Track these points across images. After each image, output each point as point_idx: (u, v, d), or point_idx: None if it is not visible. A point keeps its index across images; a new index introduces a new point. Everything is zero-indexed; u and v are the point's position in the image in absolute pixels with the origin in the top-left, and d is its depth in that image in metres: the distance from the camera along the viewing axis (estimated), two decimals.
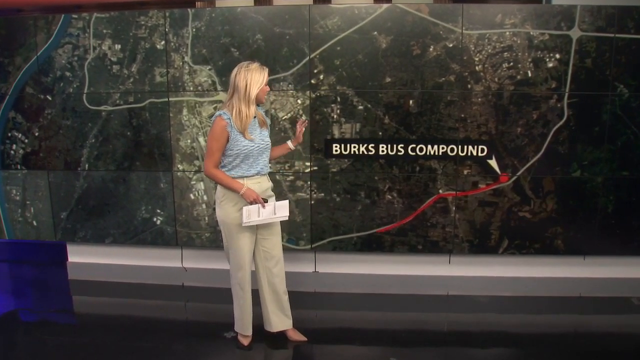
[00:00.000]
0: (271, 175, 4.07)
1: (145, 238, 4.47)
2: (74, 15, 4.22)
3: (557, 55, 3.87)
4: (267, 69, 3.24)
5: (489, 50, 3.90)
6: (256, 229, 3.38)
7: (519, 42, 3.87)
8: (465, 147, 4.03)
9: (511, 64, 3.90)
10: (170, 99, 4.22)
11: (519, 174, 4.04)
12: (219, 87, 4.14)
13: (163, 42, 4.14)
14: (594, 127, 3.95)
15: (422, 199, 4.12)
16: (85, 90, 4.29)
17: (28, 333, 3.87)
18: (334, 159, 4.13)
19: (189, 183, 4.32)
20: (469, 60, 3.92)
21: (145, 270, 4.62)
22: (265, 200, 3.28)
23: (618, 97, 3.89)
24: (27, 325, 4.03)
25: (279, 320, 3.54)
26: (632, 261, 4.21)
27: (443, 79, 3.95)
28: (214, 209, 4.23)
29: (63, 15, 4.23)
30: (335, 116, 4.07)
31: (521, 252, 4.15)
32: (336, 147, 4.11)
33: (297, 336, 3.58)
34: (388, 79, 3.99)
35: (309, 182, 4.18)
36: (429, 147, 4.05)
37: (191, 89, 4.18)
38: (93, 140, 4.37)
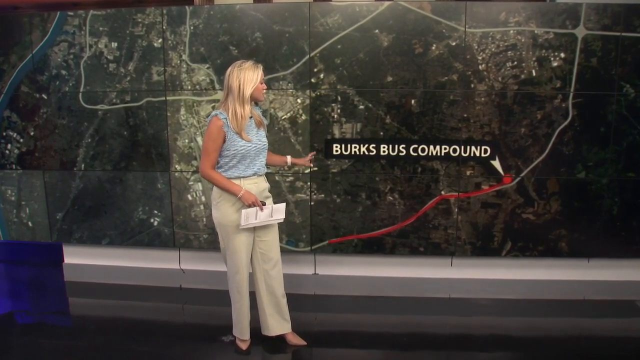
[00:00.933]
0: (270, 175, 4.03)
1: (143, 239, 4.42)
2: (70, 13, 4.16)
3: (562, 54, 3.80)
4: (261, 66, 3.17)
5: (493, 49, 3.83)
6: (253, 231, 3.32)
7: (523, 40, 3.81)
8: (468, 147, 3.96)
9: (515, 63, 3.84)
10: (167, 98, 4.16)
11: (522, 175, 3.97)
12: (217, 86, 4.08)
13: (160, 40, 4.08)
14: (599, 128, 3.88)
15: (424, 200, 4.06)
16: (82, 89, 4.24)
17: (24, 335, 3.81)
18: (334, 160, 4.07)
19: (187, 184, 4.26)
20: (472, 59, 3.85)
21: (142, 272, 4.57)
22: (264, 203, 3.21)
23: (624, 97, 3.83)
24: (23, 327, 3.97)
25: (277, 324, 3.48)
26: (637, 264, 4.16)
27: (446, 78, 3.89)
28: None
29: (59, 13, 4.17)
30: (335, 116, 4.01)
31: (524, 255, 4.09)
32: (336, 147, 4.04)
33: (296, 340, 3.52)
34: (389, 78, 3.93)
35: (308, 183, 4.12)
36: (431, 147, 3.99)
37: (189, 87, 4.12)
38: (89, 140, 4.31)
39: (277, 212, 3.28)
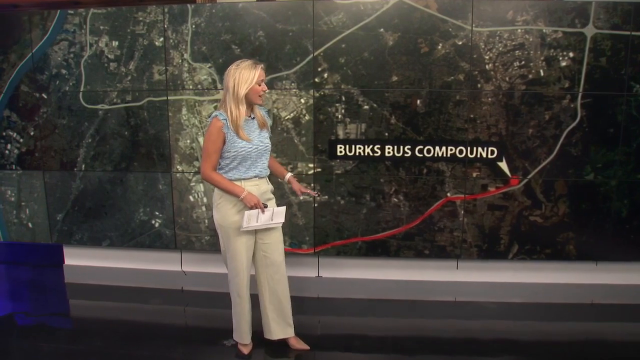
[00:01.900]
0: (274, 177, 3.97)
1: (144, 241, 4.36)
2: (70, 11, 4.11)
3: (571, 54, 3.74)
4: (260, 66, 3.09)
5: (500, 48, 3.77)
6: (255, 233, 3.27)
7: (531, 39, 3.74)
8: (475, 148, 3.90)
9: (523, 62, 3.77)
10: (169, 97, 4.11)
11: (530, 176, 3.91)
12: (219, 86, 4.02)
13: (162, 39, 4.03)
14: (609, 129, 3.81)
15: (429, 202, 4.00)
16: (82, 89, 4.19)
17: (24, 338, 3.76)
18: (338, 161, 4.01)
19: (189, 184, 4.20)
20: (479, 58, 3.79)
21: (143, 274, 4.52)
22: (265, 205, 3.16)
23: (634, 98, 3.76)
24: (23, 329, 3.93)
25: (280, 328, 3.42)
26: None
27: (452, 77, 3.82)
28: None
29: (59, 11, 4.12)
30: (339, 116, 3.95)
31: (532, 258, 4.03)
32: (340, 148, 3.98)
33: (299, 344, 3.47)
34: (395, 78, 3.86)
35: (312, 184, 4.06)
36: (437, 148, 3.92)
37: (191, 87, 4.06)
38: (90, 140, 4.26)
39: (278, 215, 3.22)
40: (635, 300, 4.11)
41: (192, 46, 4.01)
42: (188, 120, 4.12)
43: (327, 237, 4.13)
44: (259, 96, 3.10)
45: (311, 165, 4.03)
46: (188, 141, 4.15)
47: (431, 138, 3.91)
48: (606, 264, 4.10)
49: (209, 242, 4.27)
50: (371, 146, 3.97)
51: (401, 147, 3.94)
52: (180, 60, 4.04)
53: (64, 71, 4.19)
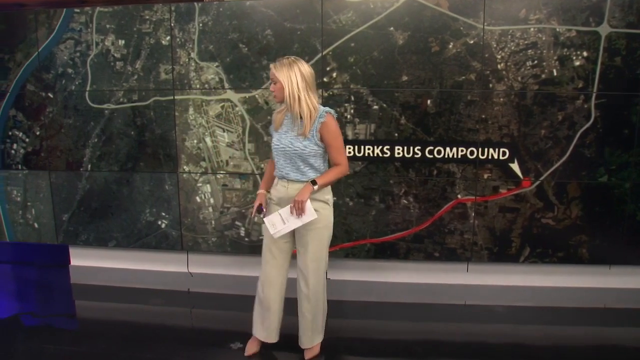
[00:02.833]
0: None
1: (150, 242, 4.33)
2: (76, 10, 4.07)
3: (585, 53, 3.66)
4: (272, 66, 3.03)
5: (512, 48, 3.70)
6: (293, 239, 3.25)
7: (544, 38, 3.67)
8: (486, 149, 3.84)
9: (535, 62, 3.70)
10: (175, 97, 4.07)
11: (542, 178, 3.84)
12: (226, 85, 3.98)
13: (168, 38, 3.99)
14: (623, 130, 3.74)
15: (439, 204, 3.94)
16: (88, 88, 4.16)
17: (29, 339, 3.73)
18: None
19: (195, 185, 4.16)
20: (491, 57, 3.72)
21: (149, 275, 4.49)
22: (260, 210, 3.17)
23: None
24: (29, 330, 3.90)
25: (302, 337, 3.37)
26: None
27: (463, 77, 3.76)
28: (221, 212, 4.13)
29: (65, 10, 4.09)
30: (348, 116, 3.90)
31: (543, 261, 3.96)
32: (349, 148, 3.93)
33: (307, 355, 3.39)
34: (405, 78, 3.80)
35: None
36: (448, 149, 3.86)
37: (198, 86, 4.02)
38: (96, 140, 4.23)
39: (307, 214, 3.07)
40: None
41: (199, 45, 3.97)
42: (195, 120, 4.07)
43: (335, 239, 4.04)
44: (273, 95, 3.09)
45: None
46: (195, 141, 4.10)
47: (442, 139, 3.85)
48: (620, 267, 4.03)
49: (216, 243, 4.23)
50: (380, 147, 3.91)
51: (411, 148, 3.88)
52: (187, 59, 4.00)
53: (70, 70, 4.15)
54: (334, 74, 3.86)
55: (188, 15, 3.94)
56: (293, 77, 2.96)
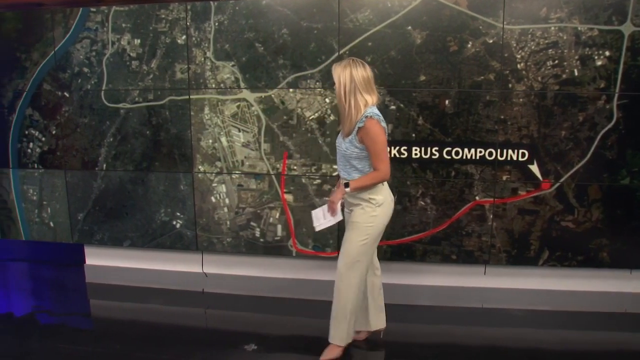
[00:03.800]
0: (296, 178, 3.92)
1: (165, 242, 4.32)
2: (92, 9, 4.08)
3: (607, 53, 3.59)
4: (333, 66, 3.11)
5: (532, 47, 3.64)
6: None
7: (565, 38, 3.61)
8: (505, 151, 3.78)
9: (556, 61, 3.64)
10: (191, 96, 4.06)
11: (562, 180, 3.78)
12: (242, 85, 3.96)
13: (184, 37, 3.97)
14: None
15: (457, 205, 3.89)
16: (104, 87, 4.16)
17: (44, 337, 3.74)
18: None
19: (210, 185, 4.15)
20: (510, 57, 3.67)
21: (164, 275, 4.49)
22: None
23: None
24: (44, 328, 3.91)
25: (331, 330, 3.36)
26: None
27: (482, 77, 3.71)
28: (236, 212, 4.10)
29: (81, 9, 4.10)
30: None
31: (563, 265, 3.90)
32: None
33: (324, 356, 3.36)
34: (422, 77, 3.76)
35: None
36: (466, 150, 3.81)
37: (213, 86, 4.00)
38: (111, 139, 4.23)
39: (339, 214, 3.22)
40: None
41: (214, 44, 3.95)
42: (210, 119, 4.06)
43: None
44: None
45: (335, 166, 3.94)
46: (210, 141, 4.09)
47: (460, 139, 3.79)
48: None
49: (231, 243, 4.21)
50: (398, 147, 3.87)
51: (429, 148, 3.84)
52: (202, 59, 3.99)
53: (85, 69, 4.16)
54: None
55: (204, 14, 3.92)
56: (342, 79, 3.02)
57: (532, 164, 3.78)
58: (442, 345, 3.57)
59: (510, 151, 3.78)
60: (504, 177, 3.81)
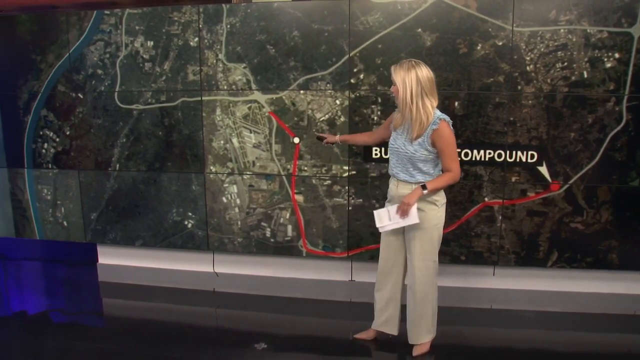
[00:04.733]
0: (307, 178, 3.94)
1: (176, 241, 4.37)
2: (106, 12, 4.13)
3: (617, 55, 3.60)
4: (392, 67, 3.12)
5: (542, 49, 3.65)
6: (403, 235, 3.33)
7: (574, 40, 3.61)
8: (514, 152, 3.79)
9: (565, 63, 3.65)
10: (203, 98, 4.10)
11: (571, 182, 3.78)
12: (253, 86, 4.00)
13: (196, 39, 4.02)
14: None
15: (466, 207, 3.91)
16: (117, 89, 4.22)
17: (57, 335, 3.82)
18: (373, 163, 3.95)
19: (222, 186, 4.19)
20: (520, 59, 3.68)
21: (175, 275, 4.53)
22: (321, 139, 3.46)
23: None
24: (57, 326, 3.98)
25: (409, 333, 3.47)
26: None
27: (491, 79, 3.72)
28: (247, 213, 4.14)
29: (95, 12, 4.16)
30: (375, 118, 3.89)
31: (572, 266, 3.90)
32: (376, 150, 3.92)
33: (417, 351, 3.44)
34: None
35: (346, 187, 4.00)
36: (475, 152, 3.83)
37: (225, 87, 4.05)
38: (124, 140, 4.28)
39: (410, 216, 3.14)
40: None
41: (226, 46, 3.99)
42: (222, 120, 4.10)
43: (361, 240, 4.07)
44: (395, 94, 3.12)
45: (346, 167, 3.98)
46: (222, 142, 4.13)
47: (469, 141, 3.81)
48: None
49: (242, 244, 4.25)
50: None
51: None
52: (214, 61, 4.03)
53: (99, 71, 4.22)
54: (361, 76, 3.85)
55: (216, 17, 3.97)
56: (408, 82, 3.00)
57: (541, 165, 3.78)
58: (451, 346, 3.58)
59: (519, 153, 3.78)
60: (513, 179, 3.83)
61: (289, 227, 4.16)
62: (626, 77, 3.61)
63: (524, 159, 3.79)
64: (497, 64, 3.70)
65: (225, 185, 4.19)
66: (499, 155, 3.81)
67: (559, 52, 3.64)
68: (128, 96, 4.21)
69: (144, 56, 4.13)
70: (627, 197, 3.76)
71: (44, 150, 4.46)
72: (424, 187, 3.06)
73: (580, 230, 3.84)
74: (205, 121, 4.13)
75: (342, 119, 3.92)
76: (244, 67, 4.00)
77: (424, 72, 3.00)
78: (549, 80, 3.68)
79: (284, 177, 4.09)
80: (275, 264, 4.34)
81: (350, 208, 4.03)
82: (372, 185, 3.97)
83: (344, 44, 3.84)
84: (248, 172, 4.14)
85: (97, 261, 4.74)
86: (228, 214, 4.23)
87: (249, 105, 4.03)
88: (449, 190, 3.85)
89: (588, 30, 3.59)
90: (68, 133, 4.38)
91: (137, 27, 4.10)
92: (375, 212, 3.25)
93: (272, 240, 4.22)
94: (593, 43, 3.60)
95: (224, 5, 3.97)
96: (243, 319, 4.07)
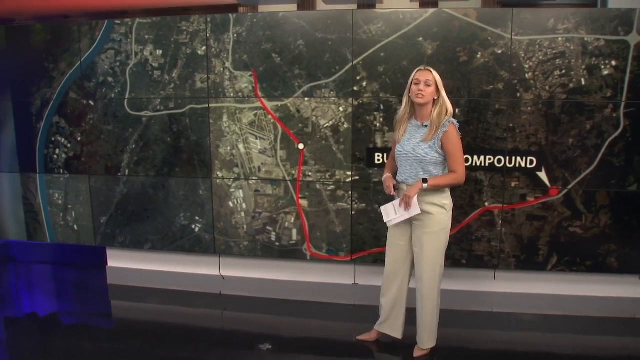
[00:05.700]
0: (311, 184, 4.01)
1: (184, 245, 4.45)
2: (117, 21, 4.24)
3: (613, 62, 3.67)
4: (420, 68, 3.26)
5: (540, 57, 3.73)
6: (410, 232, 3.39)
7: (572, 48, 3.69)
8: (514, 158, 3.86)
9: (563, 71, 3.72)
10: (210, 105, 4.19)
11: (570, 187, 3.84)
12: (259, 94, 4.08)
13: (204, 48, 4.12)
14: None
15: (467, 211, 3.97)
16: (127, 96, 4.31)
17: (67, 336, 3.87)
18: (376, 169, 4.02)
19: (228, 190, 4.28)
20: (519, 67, 3.76)
21: (183, 277, 4.60)
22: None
23: None
24: (67, 328, 4.05)
25: (419, 336, 3.52)
26: None
27: (491, 86, 3.80)
28: (253, 217, 4.22)
29: (106, 21, 4.26)
30: (378, 124, 3.97)
31: (571, 270, 3.95)
32: (379, 156, 4.00)
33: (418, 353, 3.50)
34: None
35: (349, 192, 4.08)
36: (475, 157, 3.90)
37: (232, 95, 4.14)
38: (133, 146, 4.38)
39: (413, 207, 3.23)
40: None
41: (233, 55, 4.09)
42: (229, 127, 4.19)
43: (364, 244, 4.14)
44: (416, 95, 3.21)
45: (349, 173, 4.06)
46: (228, 148, 4.22)
47: (469, 147, 3.87)
48: None
49: (247, 247, 4.33)
50: None
51: None
52: (221, 69, 4.13)
53: (110, 79, 4.32)
54: (364, 83, 3.94)
55: (223, 26, 4.07)
56: (438, 78, 3.23)
57: (541, 171, 3.85)
58: (453, 349, 3.61)
59: (518, 158, 3.85)
60: (513, 184, 3.89)
61: (294, 231, 4.24)
62: (623, 84, 3.68)
63: (523, 165, 3.86)
64: (496, 71, 3.78)
65: (232, 190, 4.28)
66: (499, 161, 3.87)
67: (557, 60, 3.72)
68: (137, 103, 4.31)
69: (153, 64, 4.23)
70: (625, 202, 3.82)
71: (55, 156, 4.56)
72: (425, 181, 3.16)
73: (579, 234, 3.89)
74: (213, 127, 4.22)
75: (346, 125, 4.00)
76: (250, 75, 4.08)
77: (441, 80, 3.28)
78: (547, 88, 3.75)
79: (289, 182, 4.17)
80: (280, 267, 4.41)
81: (353, 212, 4.11)
82: (375, 190, 4.04)
83: (347, 52, 3.93)
84: (254, 178, 4.23)
85: (107, 264, 4.81)
86: (234, 218, 4.31)
87: (255, 112, 4.12)
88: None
89: (585, 39, 3.66)
90: (79, 139, 4.48)
91: (146, 36, 4.20)
92: (382, 207, 3.37)
93: (277, 244, 4.29)
94: (590, 51, 3.67)
95: (230, 15, 4.07)
96: (248, 321, 4.12)
